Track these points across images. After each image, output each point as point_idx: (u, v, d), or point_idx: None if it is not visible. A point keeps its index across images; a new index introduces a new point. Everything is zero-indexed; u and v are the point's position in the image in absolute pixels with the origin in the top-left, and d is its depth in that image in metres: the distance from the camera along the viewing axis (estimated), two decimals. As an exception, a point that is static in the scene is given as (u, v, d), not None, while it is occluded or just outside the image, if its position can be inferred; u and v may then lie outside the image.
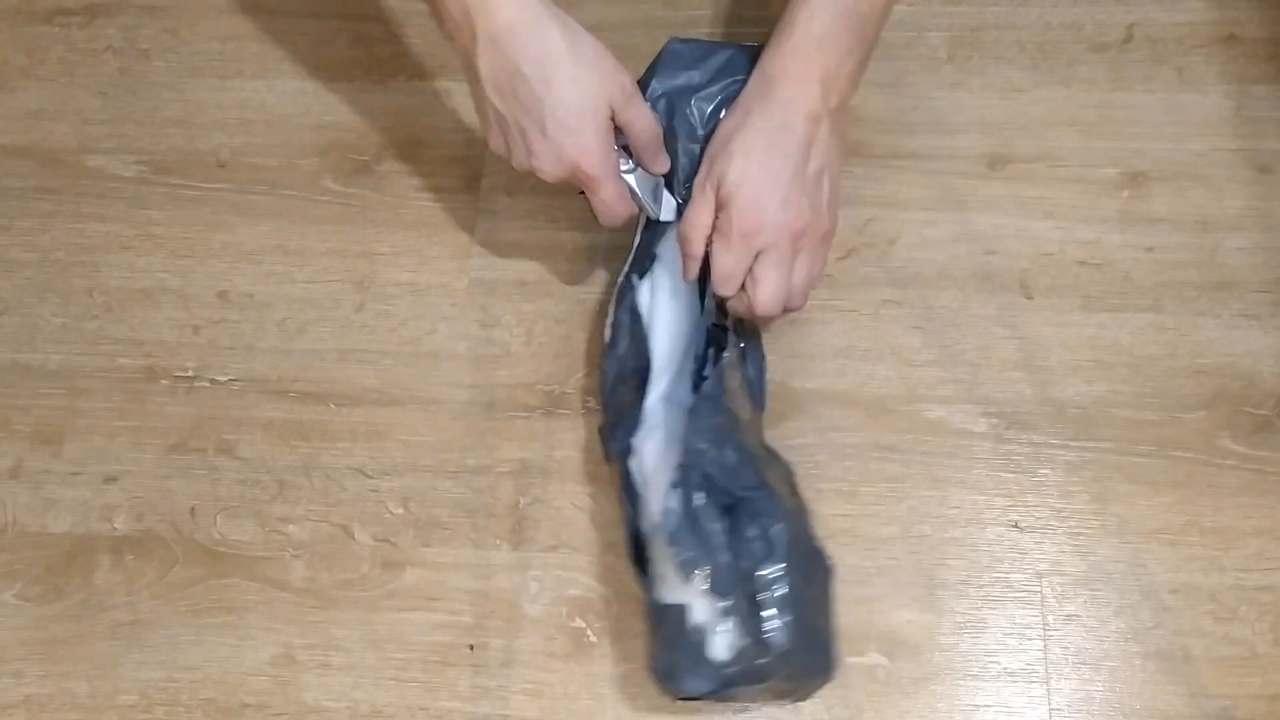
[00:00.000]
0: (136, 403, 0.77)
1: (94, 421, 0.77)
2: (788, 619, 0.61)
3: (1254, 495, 0.70)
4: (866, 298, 0.77)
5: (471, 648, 0.70)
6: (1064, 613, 0.69)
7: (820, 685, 0.65)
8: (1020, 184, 0.79)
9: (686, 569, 0.61)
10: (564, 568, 0.71)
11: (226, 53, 0.87)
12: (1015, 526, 0.71)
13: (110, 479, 0.75)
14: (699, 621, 0.62)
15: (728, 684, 0.61)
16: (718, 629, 0.61)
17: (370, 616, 0.71)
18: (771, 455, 0.69)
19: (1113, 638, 0.68)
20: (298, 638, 0.71)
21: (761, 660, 0.61)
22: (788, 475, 0.69)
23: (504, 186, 0.81)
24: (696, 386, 0.68)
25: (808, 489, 0.71)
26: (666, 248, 0.71)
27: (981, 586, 0.70)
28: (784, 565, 0.61)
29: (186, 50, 0.87)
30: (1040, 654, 0.68)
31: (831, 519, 0.71)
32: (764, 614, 0.61)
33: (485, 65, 0.63)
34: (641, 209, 0.69)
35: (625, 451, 0.68)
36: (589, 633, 0.70)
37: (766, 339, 0.74)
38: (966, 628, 0.69)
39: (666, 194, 0.69)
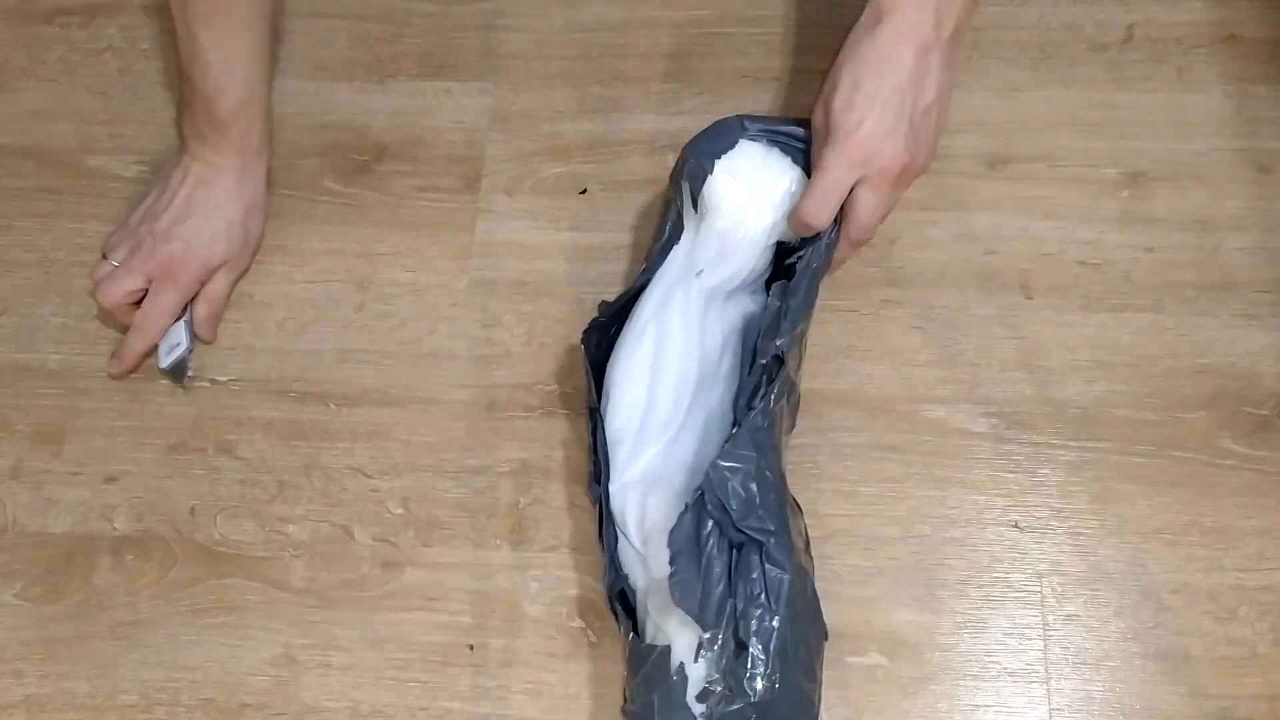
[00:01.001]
0: (136, 403, 0.77)
1: (94, 421, 0.77)
2: (774, 673, 0.58)
3: (1254, 495, 0.70)
4: (866, 298, 0.77)
5: (471, 648, 0.70)
6: (1064, 613, 0.69)
7: None
8: (1020, 184, 0.79)
9: (680, 589, 0.59)
10: (564, 568, 0.71)
11: (226, 53, 0.87)
12: (1015, 526, 0.71)
13: (110, 479, 0.75)
14: (679, 663, 0.60)
15: None
16: (700, 674, 0.59)
17: (370, 616, 0.71)
18: (795, 507, 0.66)
19: (1113, 638, 0.68)
20: (298, 638, 0.71)
21: (736, 709, 0.58)
22: (804, 531, 0.67)
23: (504, 186, 0.81)
24: (736, 414, 0.66)
25: (808, 489, 0.71)
26: (672, 275, 0.69)
27: (981, 586, 0.70)
28: (780, 616, 0.59)
29: (186, 50, 0.87)
30: (1040, 654, 0.68)
31: (831, 519, 0.71)
32: (750, 664, 0.58)
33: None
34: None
35: (605, 497, 0.67)
36: (589, 633, 0.70)
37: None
38: (966, 628, 0.69)
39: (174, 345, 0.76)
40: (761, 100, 0.82)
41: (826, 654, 0.68)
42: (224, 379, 0.77)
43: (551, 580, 0.71)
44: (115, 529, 0.74)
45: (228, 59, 0.73)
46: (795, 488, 0.72)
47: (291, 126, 0.84)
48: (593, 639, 0.70)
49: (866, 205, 0.65)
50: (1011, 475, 0.72)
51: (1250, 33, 0.82)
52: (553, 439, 0.74)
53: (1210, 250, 0.76)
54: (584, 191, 0.80)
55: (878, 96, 0.63)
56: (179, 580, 0.72)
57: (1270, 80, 0.80)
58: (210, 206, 0.76)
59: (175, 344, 0.76)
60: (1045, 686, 0.68)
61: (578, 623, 0.70)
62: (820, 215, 0.65)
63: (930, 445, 0.73)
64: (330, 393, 0.76)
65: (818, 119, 0.66)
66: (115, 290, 0.75)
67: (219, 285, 0.77)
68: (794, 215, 0.66)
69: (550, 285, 0.78)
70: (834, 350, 0.75)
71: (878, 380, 0.74)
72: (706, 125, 0.70)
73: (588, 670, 0.69)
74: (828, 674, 0.68)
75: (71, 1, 0.89)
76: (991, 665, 0.68)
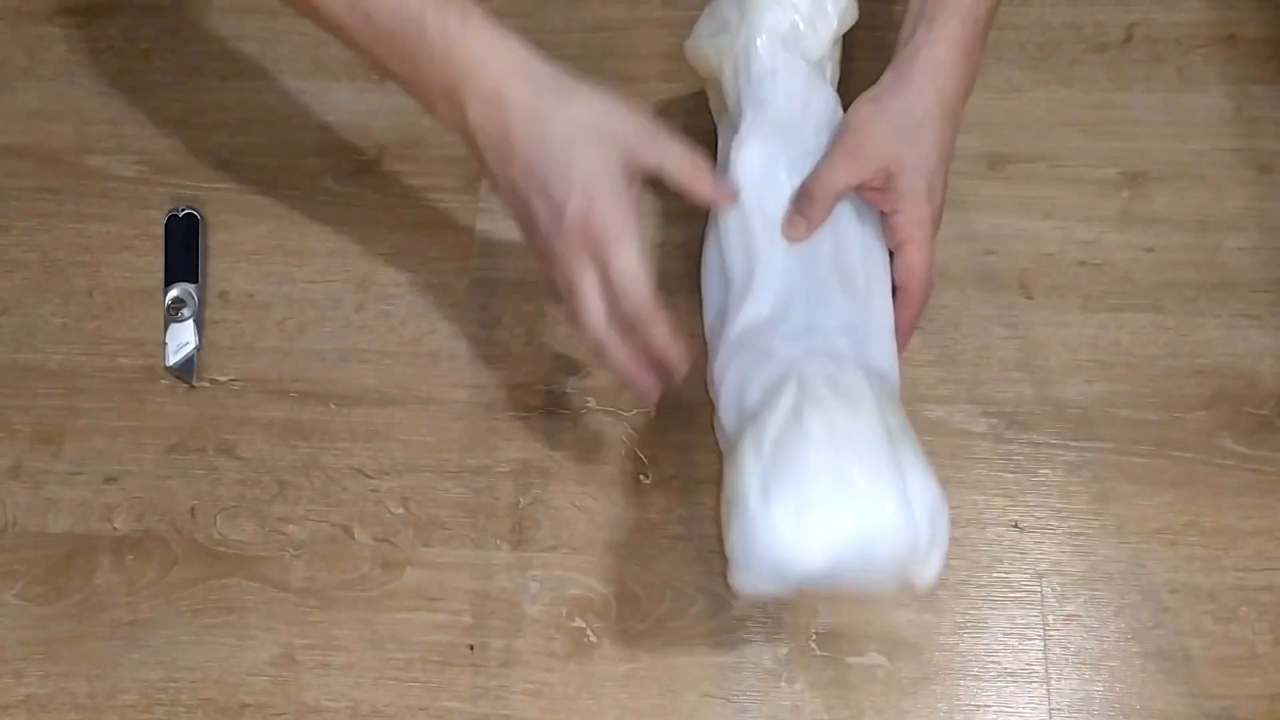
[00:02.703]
0: (136, 403, 0.77)
1: (94, 421, 0.77)
2: None
3: (1254, 495, 0.70)
4: (866, 298, 0.77)
5: (471, 648, 0.70)
6: (1064, 613, 0.69)
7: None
8: (1020, 184, 0.79)
9: None
10: (564, 568, 0.71)
11: (226, 53, 0.87)
12: (1015, 526, 0.71)
13: (110, 479, 0.75)
14: None
15: None
16: None
17: (370, 616, 0.71)
18: None
19: (1113, 638, 0.68)
20: (298, 638, 0.71)
21: None
22: None
23: (504, 186, 0.81)
24: None
25: (808, 489, 0.71)
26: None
27: (981, 586, 0.70)
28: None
29: (186, 50, 0.87)
30: (1040, 654, 0.68)
31: (831, 519, 0.71)
32: None
33: (483, 134, 0.56)
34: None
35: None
36: (589, 633, 0.70)
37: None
38: (966, 628, 0.69)
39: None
40: (761, 100, 0.82)
41: (825, 654, 0.68)
42: (224, 379, 0.77)
43: (551, 580, 0.71)
44: (115, 529, 0.74)
45: None
46: (795, 488, 0.72)
47: (291, 126, 0.84)
48: (593, 639, 0.70)
49: (920, 262, 0.66)
50: (1011, 475, 0.72)
51: (1250, 33, 0.82)
52: (553, 439, 0.74)
53: (1210, 250, 0.76)
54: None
55: (933, 156, 0.64)
56: (179, 580, 0.72)
57: (1270, 80, 0.80)
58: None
59: (184, 343, 0.76)
60: (1045, 686, 0.68)
61: (578, 623, 0.70)
62: (929, 293, 0.67)
63: (930, 445, 0.72)
64: (330, 393, 0.76)
65: (877, 164, 0.64)
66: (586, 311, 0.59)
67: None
68: (907, 293, 0.66)
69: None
70: (834, 350, 0.75)
71: (878, 380, 0.74)
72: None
73: (588, 670, 0.69)
74: (828, 674, 0.68)
75: (71, 1, 0.89)
76: (991, 665, 0.68)
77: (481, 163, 0.59)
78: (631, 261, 0.56)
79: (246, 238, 0.81)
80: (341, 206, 0.81)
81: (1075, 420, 0.73)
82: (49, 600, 0.72)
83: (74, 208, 0.83)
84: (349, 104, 0.84)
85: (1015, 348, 0.74)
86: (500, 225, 0.80)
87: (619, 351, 0.60)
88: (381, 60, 0.58)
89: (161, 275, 0.80)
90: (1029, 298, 0.76)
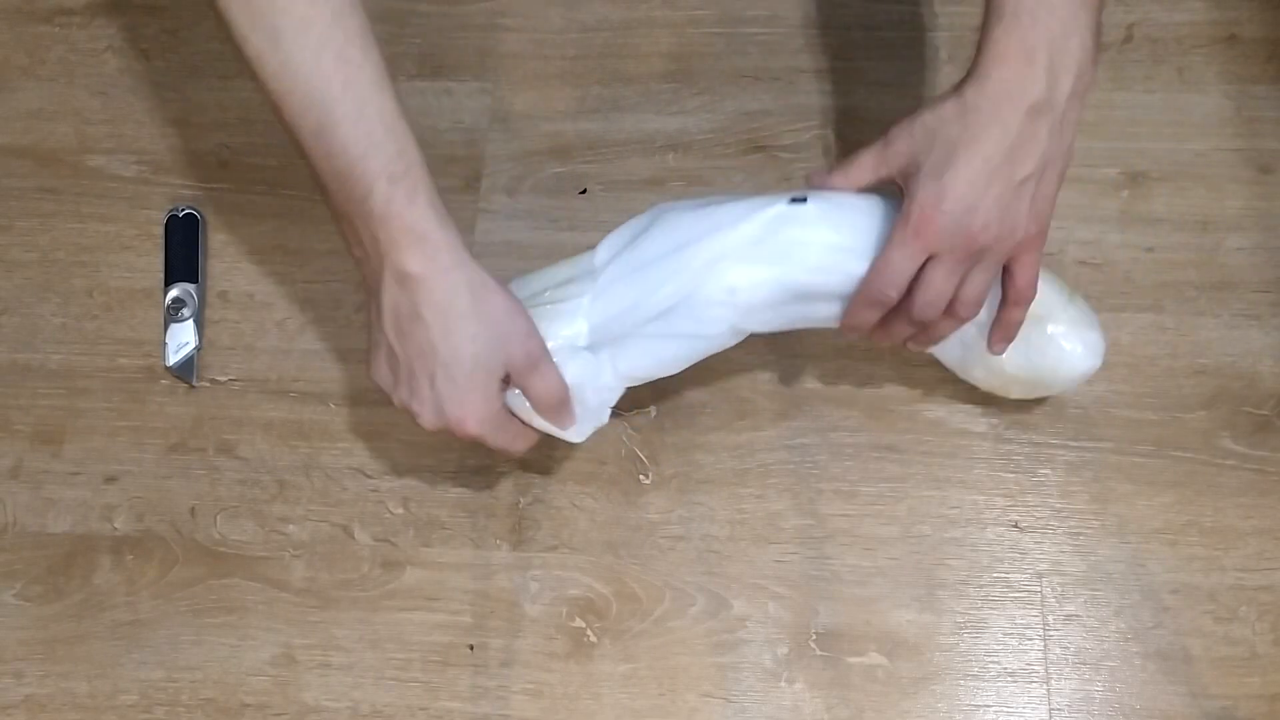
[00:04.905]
0: (136, 403, 0.77)
1: (94, 421, 0.77)
2: None
3: (1254, 495, 0.70)
4: (866, 298, 0.76)
5: (471, 648, 0.70)
6: (1064, 613, 0.69)
7: None
8: (1020, 184, 0.79)
9: None
10: (564, 568, 0.71)
11: (226, 53, 0.86)
12: (1015, 526, 0.71)
13: (110, 479, 0.75)
14: None
15: None
16: None
17: (370, 616, 0.71)
18: None
19: (1113, 638, 0.68)
20: (298, 638, 0.71)
21: None
22: None
23: (504, 186, 0.81)
24: None
25: (807, 489, 0.71)
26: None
27: (981, 586, 0.70)
28: None
29: (186, 50, 0.87)
30: (1040, 654, 0.68)
31: (831, 519, 0.71)
32: None
33: (388, 299, 0.60)
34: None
35: None
36: (589, 633, 0.70)
37: (766, 339, 0.73)
38: (966, 628, 0.69)
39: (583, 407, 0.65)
40: (761, 100, 0.82)
41: (826, 654, 0.68)
42: (224, 379, 0.77)
43: (551, 580, 0.71)
44: (115, 529, 0.74)
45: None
46: (795, 487, 0.72)
47: (291, 126, 0.84)
48: (593, 639, 0.70)
49: (934, 281, 0.59)
50: (1011, 475, 0.72)
51: (1250, 33, 0.82)
52: (553, 439, 0.74)
53: (1210, 250, 0.76)
54: (584, 191, 0.80)
55: (968, 171, 0.56)
56: (179, 580, 0.72)
57: (1270, 80, 0.80)
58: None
59: (184, 343, 0.76)
60: (1045, 686, 0.68)
61: (578, 623, 0.70)
62: (889, 292, 0.59)
63: (930, 445, 0.73)
64: (330, 393, 0.76)
65: (899, 160, 0.59)
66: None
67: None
68: (860, 297, 0.61)
69: (550, 285, 0.78)
70: (834, 350, 0.75)
71: (878, 380, 0.74)
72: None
73: (588, 670, 0.69)
74: (828, 674, 0.68)
75: (71, 1, 0.89)
76: (991, 665, 0.68)
77: (377, 313, 0.61)
78: (494, 445, 0.63)
79: (246, 238, 0.81)
80: (341, 206, 0.81)
81: (1075, 420, 0.73)
82: (49, 600, 0.72)
83: (74, 208, 0.83)
84: (349, 104, 0.84)
85: (1015, 348, 0.74)
86: (500, 225, 0.80)
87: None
88: (325, 188, 0.60)
89: (161, 275, 0.80)
90: (1029, 298, 0.76)
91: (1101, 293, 0.75)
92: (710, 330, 0.63)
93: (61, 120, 0.85)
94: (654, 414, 0.74)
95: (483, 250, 0.79)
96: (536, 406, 0.63)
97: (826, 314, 0.64)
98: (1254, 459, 0.71)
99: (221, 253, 0.81)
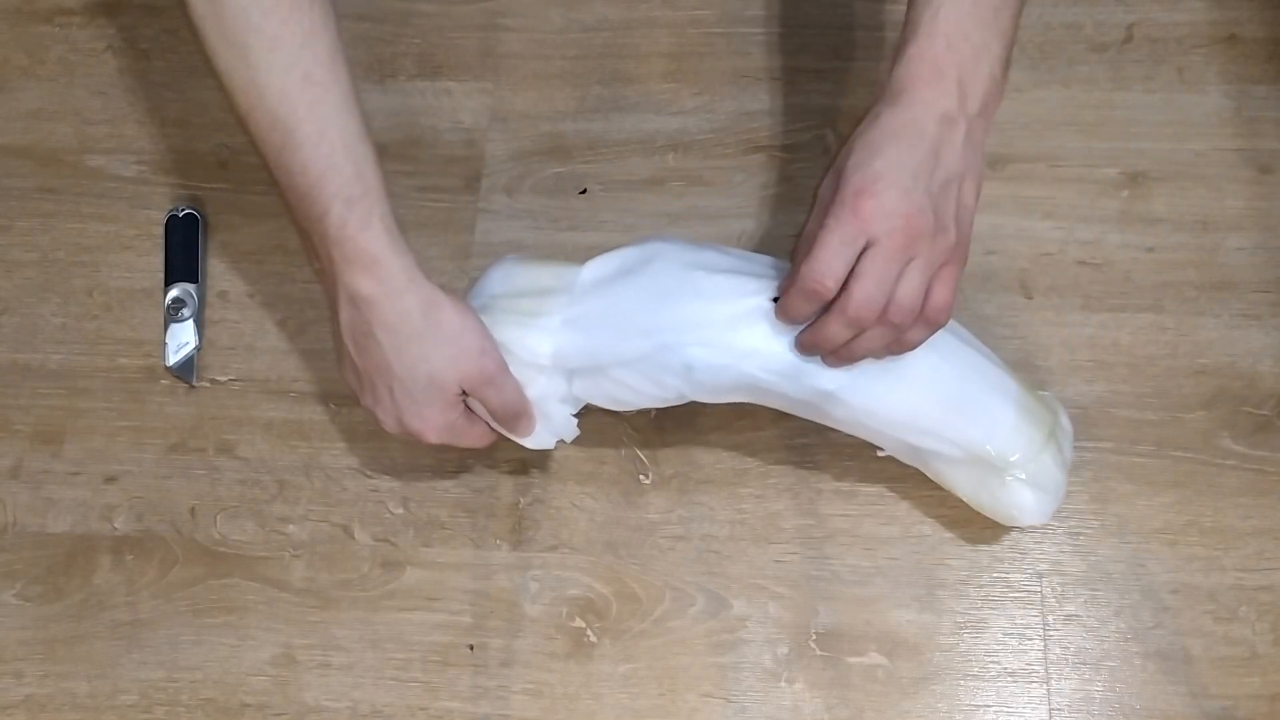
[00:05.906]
0: (136, 403, 0.77)
1: (94, 421, 0.77)
2: None
3: (1254, 495, 0.70)
4: (866, 298, 0.76)
5: (471, 648, 0.70)
6: (1064, 613, 0.69)
7: None
8: (1020, 184, 0.79)
9: None
10: (564, 568, 0.71)
11: (226, 53, 0.87)
12: (1015, 526, 0.71)
13: (110, 479, 0.75)
14: None
15: None
16: None
17: (370, 616, 0.71)
18: None
19: (1113, 638, 0.68)
20: (298, 638, 0.71)
21: None
22: None
23: (504, 186, 0.81)
24: None
25: (807, 489, 0.71)
26: None
27: (981, 586, 0.70)
28: None
29: (186, 50, 0.87)
30: (1040, 654, 0.68)
31: (831, 519, 0.71)
32: None
33: (344, 316, 0.62)
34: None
35: None
36: (589, 633, 0.70)
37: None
38: (966, 628, 0.69)
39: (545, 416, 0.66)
40: (761, 100, 0.82)
41: (826, 654, 0.68)
42: (224, 379, 0.77)
43: (551, 580, 0.71)
44: (115, 529, 0.74)
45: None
46: (795, 487, 0.72)
47: (291, 126, 0.84)
48: (593, 639, 0.70)
49: (871, 271, 0.57)
50: (1011, 475, 0.72)
51: (1250, 33, 0.82)
52: (553, 439, 0.74)
53: (1210, 250, 0.76)
54: (584, 191, 0.80)
55: (894, 160, 0.57)
56: (179, 580, 0.72)
57: (1270, 80, 0.80)
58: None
59: (184, 343, 0.76)
60: (1045, 686, 0.68)
61: (578, 623, 0.70)
62: (825, 280, 0.57)
63: (930, 445, 0.73)
64: (330, 393, 0.76)
65: (826, 188, 0.60)
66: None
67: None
68: (793, 287, 0.59)
69: (550, 285, 0.78)
70: (834, 350, 0.75)
71: (878, 380, 0.74)
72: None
73: (588, 670, 0.69)
74: (828, 674, 0.68)
75: (71, 1, 0.89)
76: (991, 665, 0.68)
77: (336, 326, 0.63)
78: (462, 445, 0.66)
79: (246, 238, 0.81)
80: (341, 206, 0.81)
81: (1075, 420, 0.72)
82: (49, 600, 0.72)
83: (74, 208, 0.83)
84: (349, 104, 0.84)
85: (1015, 348, 0.74)
86: (500, 225, 0.80)
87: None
88: (287, 203, 0.62)
89: (161, 275, 0.80)
90: (1029, 298, 0.76)
91: (1101, 293, 0.76)
92: (662, 393, 0.65)
93: (61, 120, 0.85)
94: (654, 414, 0.74)
95: (483, 250, 0.79)
96: (494, 418, 0.65)
97: (779, 404, 0.66)
98: (1254, 459, 0.71)
99: (221, 253, 0.81)
